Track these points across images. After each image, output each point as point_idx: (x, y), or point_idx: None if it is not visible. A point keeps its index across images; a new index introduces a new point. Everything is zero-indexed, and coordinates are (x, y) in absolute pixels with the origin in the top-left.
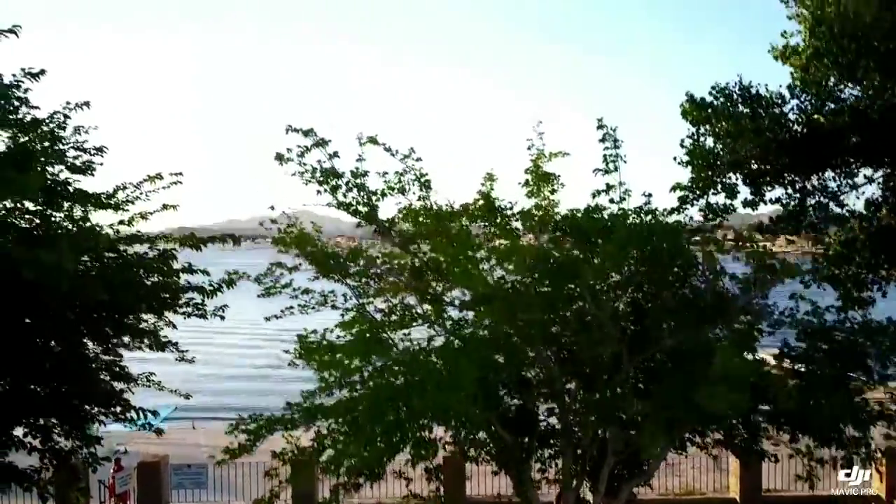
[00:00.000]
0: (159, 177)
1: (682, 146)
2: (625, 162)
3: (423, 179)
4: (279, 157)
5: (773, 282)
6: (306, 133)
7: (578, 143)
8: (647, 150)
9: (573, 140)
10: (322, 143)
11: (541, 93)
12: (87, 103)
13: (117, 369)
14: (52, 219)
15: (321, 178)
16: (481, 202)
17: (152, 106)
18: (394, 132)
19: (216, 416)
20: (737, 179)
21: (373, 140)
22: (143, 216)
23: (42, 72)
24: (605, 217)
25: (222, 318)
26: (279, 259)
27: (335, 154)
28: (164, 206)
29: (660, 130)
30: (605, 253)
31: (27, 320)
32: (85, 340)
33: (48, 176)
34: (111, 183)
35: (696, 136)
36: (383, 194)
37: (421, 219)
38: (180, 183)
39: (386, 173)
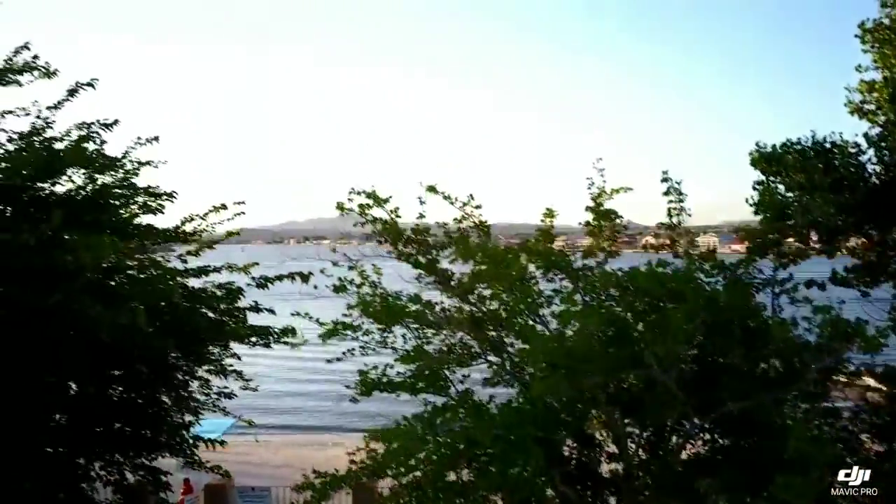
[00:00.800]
0: (223, 207)
1: (754, 188)
2: (689, 215)
3: (482, 226)
4: (340, 208)
5: (847, 348)
6: (369, 195)
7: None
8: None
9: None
10: (383, 201)
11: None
12: (156, 138)
13: (185, 395)
14: (123, 262)
15: (382, 230)
16: (541, 242)
17: (206, 109)
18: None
19: (284, 432)
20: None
21: (431, 189)
22: (210, 246)
23: (116, 122)
24: (670, 273)
25: (287, 343)
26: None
27: (396, 211)
28: (229, 234)
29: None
30: (672, 321)
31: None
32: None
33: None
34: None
35: (765, 184)
36: (443, 246)
37: (478, 258)
38: (243, 213)
39: (446, 224)
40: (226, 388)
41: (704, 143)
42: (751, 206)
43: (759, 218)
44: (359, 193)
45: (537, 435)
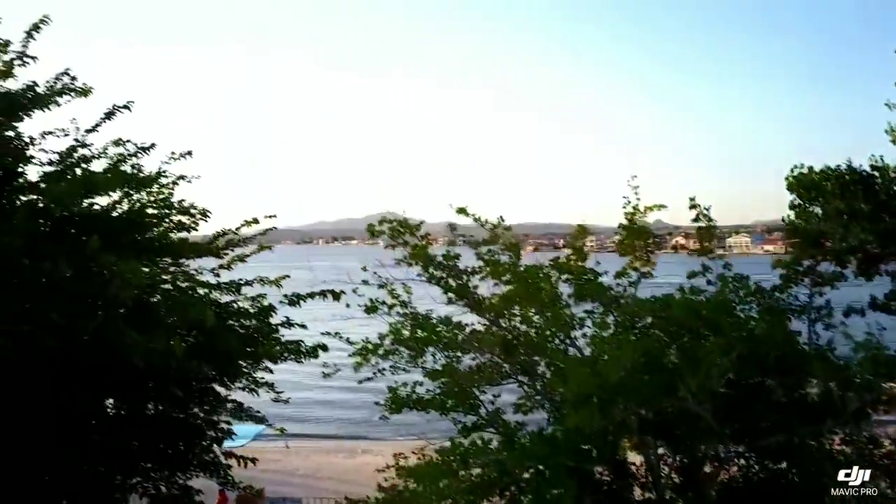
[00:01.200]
0: (255, 221)
1: (791, 208)
2: (724, 250)
3: (513, 247)
4: (371, 231)
5: (889, 383)
6: (401, 223)
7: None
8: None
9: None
10: (415, 228)
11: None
12: (189, 153)
13: (219, 412)
14: (157, 278)
15: (412, 254)
16: (574, 259)
17: (229, 115)
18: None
19: (313, 440)
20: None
21: (462, 211)
22: (242, 259)
23: (153, 145)
24: (705, 301)
25: (319, 364)
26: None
27: (426, 237)
28: (260, 248)
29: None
30: (707, 355)
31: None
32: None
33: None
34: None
35: (801, 207)
36: (474, 272)
37: (506, 278)
38: (275, 228)
39: (479, 244)
40: (258, 412)
41: (733, 140)
42: (787, 225)
43: (793, 223)
44: (390, 222)
45: (569, 464)
